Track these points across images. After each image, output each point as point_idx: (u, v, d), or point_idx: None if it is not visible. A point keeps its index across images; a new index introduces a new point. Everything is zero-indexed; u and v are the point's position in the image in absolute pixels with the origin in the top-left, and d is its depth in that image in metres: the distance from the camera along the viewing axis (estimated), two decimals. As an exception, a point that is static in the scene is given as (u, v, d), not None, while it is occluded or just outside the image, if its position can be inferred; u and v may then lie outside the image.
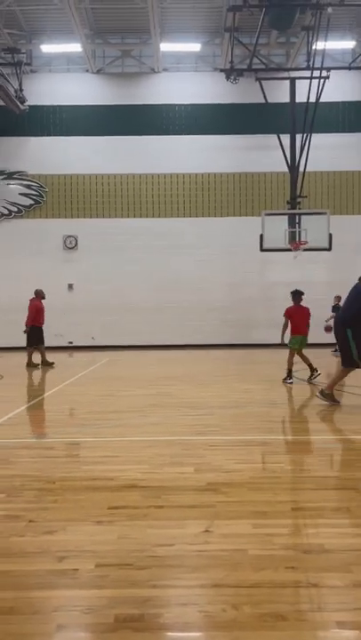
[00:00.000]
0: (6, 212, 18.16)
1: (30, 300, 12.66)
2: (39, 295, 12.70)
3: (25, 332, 12.44)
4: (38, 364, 12.30)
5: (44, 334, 12.80)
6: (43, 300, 12.72)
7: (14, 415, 6.43)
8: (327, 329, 12.11)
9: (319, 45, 14.42)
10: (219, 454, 4.47)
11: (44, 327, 12.82)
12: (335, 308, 14.35)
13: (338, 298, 14.63)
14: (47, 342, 13.13)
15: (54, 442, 5.14)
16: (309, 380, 8.67)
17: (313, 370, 8.80)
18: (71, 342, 17.62)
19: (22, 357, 14.20)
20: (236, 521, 3.10)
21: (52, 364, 12.39)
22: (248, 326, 17.86)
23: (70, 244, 18.21)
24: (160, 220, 18.06)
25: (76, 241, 18.18)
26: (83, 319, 17.79)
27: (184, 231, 17.94)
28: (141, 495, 3.52)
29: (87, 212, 18.11)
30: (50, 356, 13.22)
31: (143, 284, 17.89)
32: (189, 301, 17.87)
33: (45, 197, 18.16)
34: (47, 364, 12.30)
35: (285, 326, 8.82)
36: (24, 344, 12.83)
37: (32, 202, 18.12)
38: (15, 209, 18.16)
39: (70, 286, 18.14)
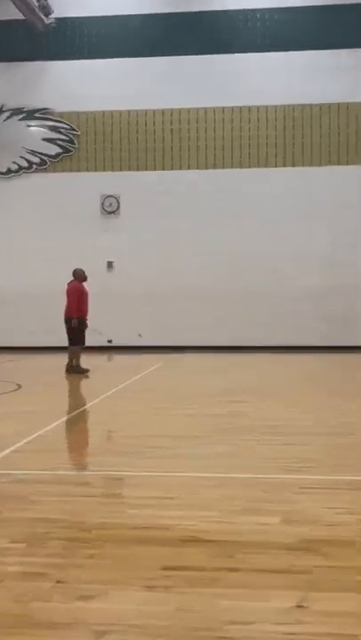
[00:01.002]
0: (25, 164, 18.64)
1: (68, 285, 12.87)
2: (79, 276, 12.91)
3: (74, 325, 12.57)
4: (88, 370, 12.60)
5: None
6: (84, 284, 12.93)
7: (36, 438, 6.58)
8: None
9: None
10: (315, 500, 4.42)
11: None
12: None
13: None
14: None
15: (89, 475, 5.20)
16: None
17: None
18: (110, 341, 17.88)
19: (42, 361, 14.51)
20: (340, 594, 3.05)
21: (87, 371, 12.65)
22: (353, 322, 17.51)
23: (110, 206, 18.46)
24: (231, 171, 18.00)
25: (118, 203, 18.42)
26: (126, 309, 18.03)
27: (264, 187, 17.78)
28: (207, 553, 3.53)
29: (133, 164, 18.32)
30: (83, 359, 13.48)
31: (207, 262, 17.94)
32: (268, 286, 17.75)
33: (77, 144, 18.47)
34: (80, 372, 12.58)
35: None
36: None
37: (60, 150, 18.51)
38: (37, 160, 18.60)
39: (110, 265, 18.41)
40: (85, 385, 11.43)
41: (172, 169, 18.21)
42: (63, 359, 13.02)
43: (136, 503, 4.43)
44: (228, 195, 17.89)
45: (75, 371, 12.49)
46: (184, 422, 7.45)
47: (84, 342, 12.73)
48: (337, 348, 17.20)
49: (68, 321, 12.60)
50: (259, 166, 17.96)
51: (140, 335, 18.13)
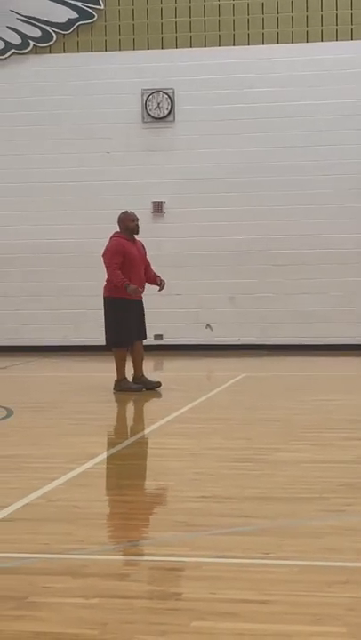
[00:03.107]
0: (17, 39, 18.78)
1: (111, 239, 12.85)
2: (125, 226, 12.80)
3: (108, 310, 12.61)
4: (155, 383, 12.78)
5: (145, 316, 12.94)
6: (136, 239, 12.91)
7: (38, 500, 6.59)
8: None
9: None
10: None
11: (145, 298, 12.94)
12: None
13: None
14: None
15: (127, 562, 5.19)
16: None
17: None
18: (160, 335, 17.94)
19: (59, 367, 14.53)
20: None
21: (158, 384, 12.85)
22: None
23: (159, 107, 18.56)
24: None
25: (171, 101, 18.51)
26: (186, 281, 18.14)
27: None
28: None
29: (197, 35, 18.37)
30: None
31: (317, 203, 18.03)
32: None
33: (104, 5, 18.54)
34: (148, 385, 12.75)
35: None
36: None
37: (74, 15, 18.64)
38: (37, 32, 18.73)
39: (158, 206, 18.54)
40: (126, 409, 11.60)
41: (256, 42, 18.26)
42: (92, 365, 12.99)
43: (203, 609, 4.30)
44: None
45: (119, 387, 12.66)
46: (287, 473, 7.43)
47: (127, 340, 12.75)
48: None
49: (105, 302, 12.75)
50: None
51: (208, 327, 18.14)
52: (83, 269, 17.13)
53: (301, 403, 11.66)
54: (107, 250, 12.64)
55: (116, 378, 12.65)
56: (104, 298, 12.71)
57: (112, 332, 12.72)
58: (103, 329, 12.84)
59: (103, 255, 12.66)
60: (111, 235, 12.79)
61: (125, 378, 12.63)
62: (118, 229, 12.77)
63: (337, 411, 10.91)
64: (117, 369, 12.65)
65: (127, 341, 12.65)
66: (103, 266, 12.61)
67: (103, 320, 12.87)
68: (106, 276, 12.63)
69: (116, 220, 12.82)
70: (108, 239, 12.75)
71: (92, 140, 18.41)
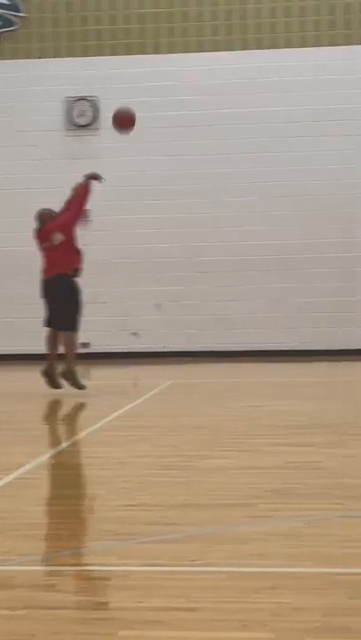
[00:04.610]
0: None
1: (51, 226, 13.12)
2: (51, 219, 13.36)
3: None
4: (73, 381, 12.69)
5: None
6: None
7: None
8: None
9: None
10: None
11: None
12: None
13: None
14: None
15: (54, 572, 5.16)
16: None
17: None
18: (86, 343, 17.90)
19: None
20: None
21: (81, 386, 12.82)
22: None
23: (83, 116, 18.57)
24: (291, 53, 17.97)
25: (95, 109, 18.44)
26: (112, 289, 18.14)
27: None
28: None
29: (120, 43, 18.46)
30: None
31: (242, 210, 18.13)
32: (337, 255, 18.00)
33: (27, 11, 18.53)
34: (73, 383, 12.69)
35: None
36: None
37: (-3, 22, 18.53)
38: None
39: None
40: (52, 418, 11.54)
41: (186, 50, 18.38)
42: (16, 375, 12.93)
43: (130, 618, 4.29)
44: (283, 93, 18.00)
45: (72, 378, 12.58)
46: (213, 480, 7.40)
47: (71, 324, 12.72)
48: None
49: (60, 281, 12.62)
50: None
51: (135, 334, 18.19)
52: (9, 277, 17.09)
53: (228, 409, 11.74)
54: (64, 224, 13.16)
55: (66, 366, 12.59)
56: (56, 276, 12.65)
57: (76, 314, 12.65)
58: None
59: (59, 223, 13.11)
60: (40, 227, 13.16)
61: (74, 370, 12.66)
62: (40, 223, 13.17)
63: (264, 417, 10.95)
64: (73, 356, 12.60)
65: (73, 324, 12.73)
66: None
67: (51, 303, 12.68)
68: (56, 256, 12.72)
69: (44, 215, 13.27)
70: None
71: (17, 147, 18.33)
